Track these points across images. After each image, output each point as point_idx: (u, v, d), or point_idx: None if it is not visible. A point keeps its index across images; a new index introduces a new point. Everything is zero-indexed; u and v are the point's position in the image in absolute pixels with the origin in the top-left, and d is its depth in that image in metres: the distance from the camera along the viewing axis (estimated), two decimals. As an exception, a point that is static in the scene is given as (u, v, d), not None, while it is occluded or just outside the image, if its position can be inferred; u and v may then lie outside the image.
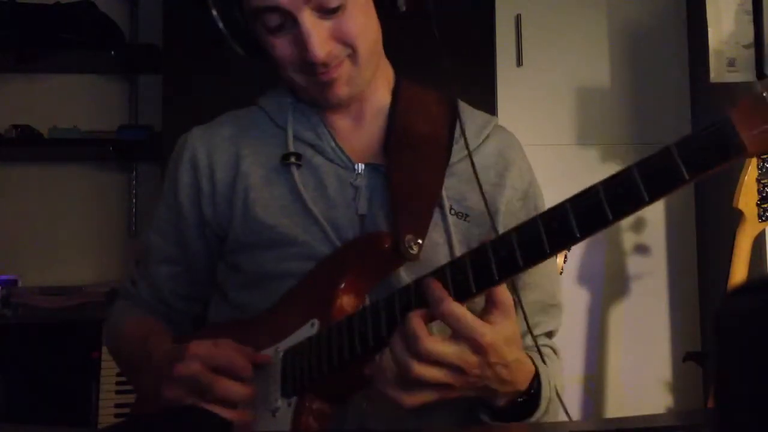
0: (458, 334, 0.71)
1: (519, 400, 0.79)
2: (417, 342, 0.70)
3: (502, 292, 0.74)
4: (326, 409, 0.81)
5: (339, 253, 0.88)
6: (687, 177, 0.63)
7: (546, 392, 0.82)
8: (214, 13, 0.92)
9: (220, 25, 0.93)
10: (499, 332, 0.72)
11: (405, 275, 0.87)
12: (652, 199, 0.65)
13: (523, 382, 0.78)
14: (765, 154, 0.64)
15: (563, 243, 0.69)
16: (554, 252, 0.69)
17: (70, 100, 2.65)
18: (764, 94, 0.62)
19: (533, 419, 0.81)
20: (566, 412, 0.87)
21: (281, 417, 0.80)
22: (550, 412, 0.84)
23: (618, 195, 0.65)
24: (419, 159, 0.93)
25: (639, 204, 0.65)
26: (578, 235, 0.68)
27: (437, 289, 0.72)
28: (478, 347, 0.71)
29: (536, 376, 0.81)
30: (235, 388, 0.77)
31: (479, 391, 0.76)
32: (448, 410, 0.90)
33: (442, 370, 0.71)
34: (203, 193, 0.97)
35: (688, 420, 0.88)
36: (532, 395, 0.80)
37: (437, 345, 0.70)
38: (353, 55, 0.90)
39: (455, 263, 0.74)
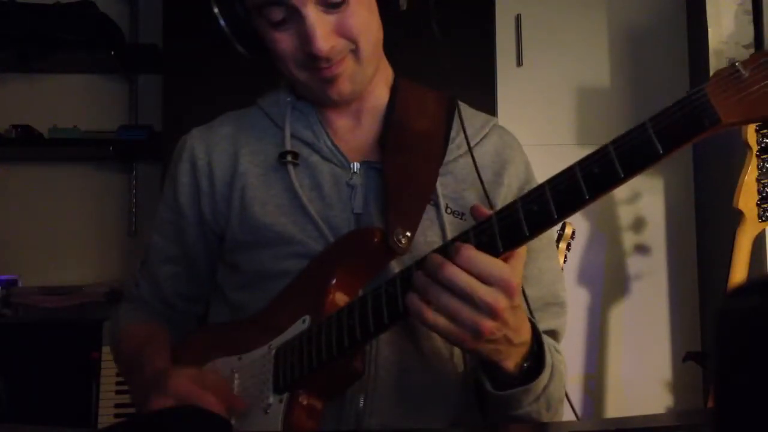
0: (487, 277, 0.69)
1: (525, 365, 0.78)
2: (441, 268, 0.68)
3: None
4: (318, 405, 0.81)
5: (330, 250, 0.88)
6: (661, 151, 0.63)
7: (549, 357, 0.80)
8: (216, 10, 0.92)
9: (222, 22, 0.92)
10: (518, 276, 0.72)
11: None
12: (628, 176, 0.65)
13: (525, 333, 0.76)
14: (739, 125, 0.64)
15: (542, 224, 0.69)
16: (534, 234, 0.69)
17: (70, 100, 2.65)
18: (737, 65, 0.62)
19: (541, 384, 0.79)
20: (573, 409, 0.87)
21: (273, 413, 0.80)
22: (555, 381, 0.82)
23: (594, 173, 0.66)
24: (414, 156, 0.93)
25: (615, 182, 0.65)
26: (556, 216, 0.68)
27: (458, 243, 0.70)
28: (508, 288, 0.69)
29: (536, 336, 0.79)
30: None
31: (498, 345, 0.73)
32: (445, 409, 0.90)
33: (475, 311, 0.69)
34: (202, 193, 0.98)
35: (688, 420, 0.88)
36: (535, 361, 0.79)
37: (464, 274, 0.68)
38: (356, 51, 0.90)
39: (440, 251, 0.73)
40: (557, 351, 0.96)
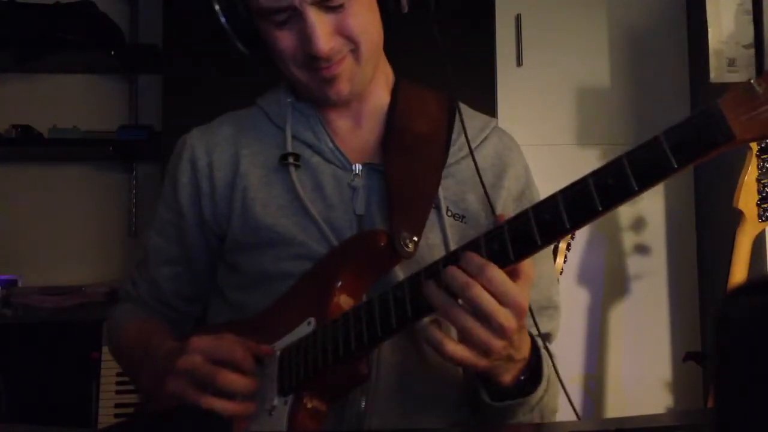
0: (502, 298, 0.70)
1: (521, 378, 0.80)
2: (469, 288, 0.69)
3: (527, 262, 0.74)
4: (322, 407, 0.81)
5: (335, 252, 0.88)
6: (676, 166, 0.63)
7: (545, 370, 0.82)
8: (217, 7, 0.92)
9: (223, 20, 0.93)
10: (528, 298, 0.73)
11: (402, 275, 0.87)
12: (642, 189, 0.65)
13: (525, 349, 0.78)
14: (753, 141, 0.64)
15: (554, 234, 0.69)
16: (545, 244, 0.69)
17: (70, 100, 2.65)
18: (752, 81, 0.62)
19: (536, 398, 0.81)
20: (573, 407, 0.87)
21: (277, 415, 0.80)
22: (550, 393, 0.84)
23: (608, 185, 0.66)
24: (417, 159, 0.93)
25: (628, 194, 0.65)
26: (568, 226, 0.68)
27: (477, 256, 0.71)
28: (519, 313, 0.71)
29: (534, 349, 0.81)
30: (235, 380, 0.77)
31: (500, 362, 0.75)
32: (446, 410, 0.90)
33: (489, 332, 0.70)
34: (203, 193, 0.98)
35: (688, 420, 0.88)
36: (533, 372, 0.81)
37: (489, 296, 0.70)
38: (356, 51, 0.90)
39: (449, 258, 0.74)
40: (549, 354, 0.97)
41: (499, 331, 0.70)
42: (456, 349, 0.72)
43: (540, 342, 0.92)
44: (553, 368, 0.89)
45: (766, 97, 0.61)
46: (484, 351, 0.71)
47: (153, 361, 0.87)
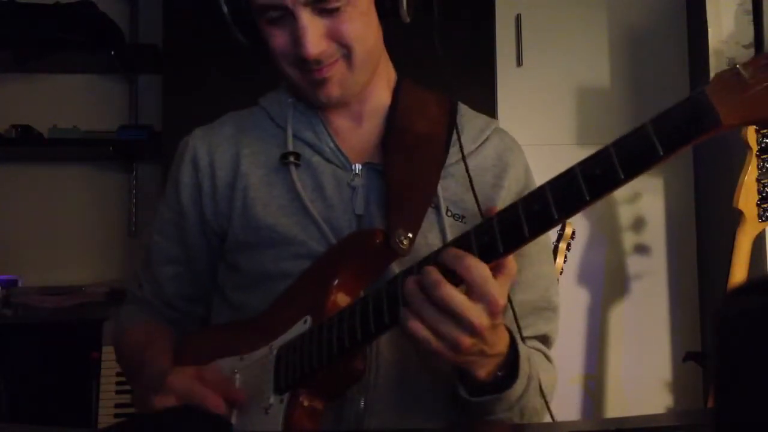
0: (478, 292, 0.70)
1: (498, 373, 0.79)
2: (438, 287, 0.69)
3: (509, 258, 0.74)
4: (318, 406, 0.81)
5: (332, 251, 0.88)
6: (662, 153, 0.63)
7: (525, 367, 0.81)
8: None
9: (225, 9, 0.93)
10: (505, 296, 0.73)
11: None
12: (629, 178, 0.65)
13: (501, 345, 0.77)
14: (740, 126, 0.64)
15: (543, 225, 0.69)
16: (534, 235, 0.69)
17: (70, 100, 2.65)
18: (738, 66, 0.62)
19: (514, 395, 0.80)
20: (551, 414, 0.87)
21: (273, 414, 0.80)
22: (531, 392, 0.82)
23: (595, 175, 0.66)
24: (416, 158, 0.93)
25: (615, 183, 0.65)
26: (557, 217, 0.68)
27: (455, 249, 0.71)
28: (493, 310, 0.71)
29: (512, 345, 0.80)
30: None
31: (472, 357, 0.75)
32: (445, 410, 0.90)
33: (459, 329, 0.70)
34: (204, 193, 0.98)
35: (688, 420, 0.88)
36: (510, 370, 0.80)
37: (459, 295, 0.70)
38: (348, 56, 0.90)
39: (440, 252, 0.74)
40: (547, 358, 0.96)
41: (468, 328, 0.70)
42: (419, 328, 0.71)
43: (533, 342, 0.91)
44: (544, 366, 0.88)
45: (753, 82, 0.61)
46: (453, 347, 0.71)
47: (140, 380, 0.88)
